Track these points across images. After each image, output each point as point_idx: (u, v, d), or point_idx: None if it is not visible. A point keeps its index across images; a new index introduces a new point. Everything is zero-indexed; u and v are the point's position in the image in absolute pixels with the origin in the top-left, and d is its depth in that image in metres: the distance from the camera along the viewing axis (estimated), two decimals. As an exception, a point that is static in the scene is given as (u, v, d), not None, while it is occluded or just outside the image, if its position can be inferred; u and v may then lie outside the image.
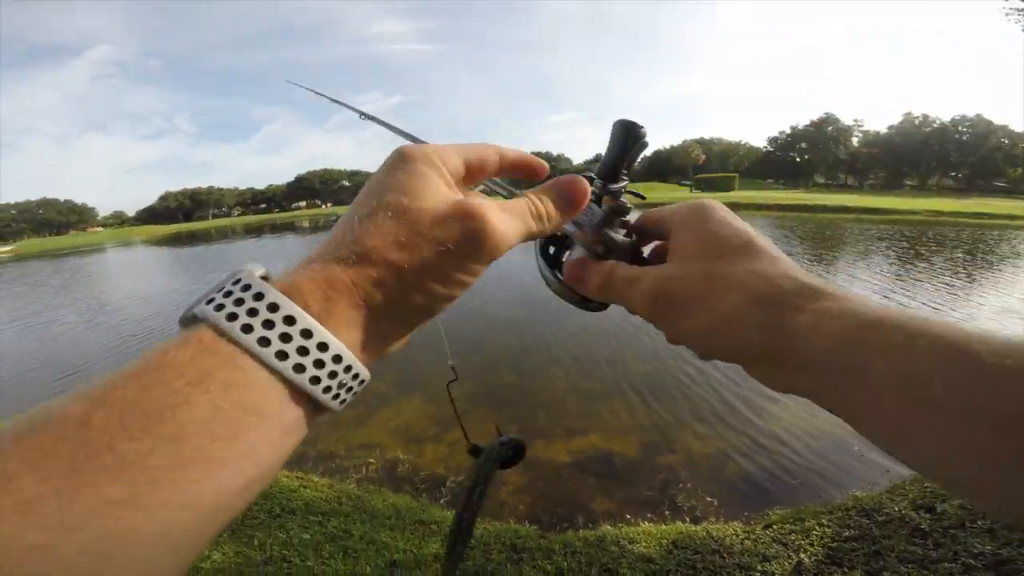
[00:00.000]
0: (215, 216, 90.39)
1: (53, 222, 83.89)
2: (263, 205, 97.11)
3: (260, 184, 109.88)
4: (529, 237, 0.29)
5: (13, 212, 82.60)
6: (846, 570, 1.87)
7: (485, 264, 0.27)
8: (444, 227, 0.25)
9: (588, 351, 5.39)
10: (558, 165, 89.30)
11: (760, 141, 72.55)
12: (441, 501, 2.89)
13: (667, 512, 2.71)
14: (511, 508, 2.87)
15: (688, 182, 57.49)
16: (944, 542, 1.99)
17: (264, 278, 0.23)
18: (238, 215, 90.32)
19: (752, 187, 54.49)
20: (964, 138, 54.16)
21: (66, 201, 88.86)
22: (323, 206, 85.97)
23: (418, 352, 5.28)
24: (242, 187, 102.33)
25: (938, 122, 57.07)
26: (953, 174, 58.32)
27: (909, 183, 61.53)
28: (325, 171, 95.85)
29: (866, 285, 8.08)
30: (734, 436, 3.54)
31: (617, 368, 4.86)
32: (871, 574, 1.84)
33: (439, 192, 0.26)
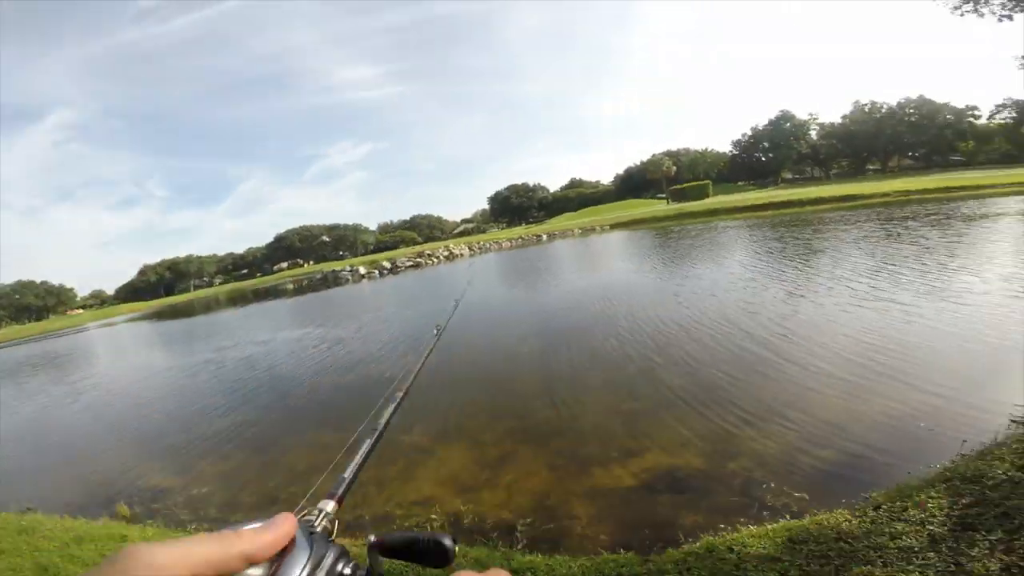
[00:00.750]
0: (196, 287, 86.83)
1: (32, 306, 78.30)
2: (244, 270, 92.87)
3: (239, 248, 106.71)
4: None
5: (-11, 298, 75.69)
6: (984, 533, 1.80)
7: None
8: None
9: (617, 369, 5.33)
10: (535, 195, 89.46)
11: (724, 146, 74.62)
12: (518, 547, 2.75)
13: (764, 513, 2.63)
14: (592, 539, 2.76)
15: (663, 195, 58.74)
16: (1065, 496, 1.93)
17: None
18: (220, 283, 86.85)
19: (725, 191, 55.85)
20: (913, 119, 56.30)
21: (43, 283, 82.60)
22: (304, 264, 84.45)
23: (447, 401, 5.18)
24: (221, 253, 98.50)
25: (886, 107, 59.40)
26: (911, 154, 60.35)
27: (872, 167, 63.55)
28: (303, 228, 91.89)
29: (856, 264, 8.23)
30: (789, 432, 3.48)
31: (653, 379, 4.80)
32: (1010, 533, 1.78)
33: None
